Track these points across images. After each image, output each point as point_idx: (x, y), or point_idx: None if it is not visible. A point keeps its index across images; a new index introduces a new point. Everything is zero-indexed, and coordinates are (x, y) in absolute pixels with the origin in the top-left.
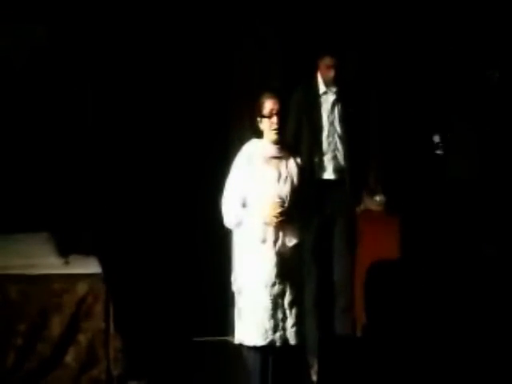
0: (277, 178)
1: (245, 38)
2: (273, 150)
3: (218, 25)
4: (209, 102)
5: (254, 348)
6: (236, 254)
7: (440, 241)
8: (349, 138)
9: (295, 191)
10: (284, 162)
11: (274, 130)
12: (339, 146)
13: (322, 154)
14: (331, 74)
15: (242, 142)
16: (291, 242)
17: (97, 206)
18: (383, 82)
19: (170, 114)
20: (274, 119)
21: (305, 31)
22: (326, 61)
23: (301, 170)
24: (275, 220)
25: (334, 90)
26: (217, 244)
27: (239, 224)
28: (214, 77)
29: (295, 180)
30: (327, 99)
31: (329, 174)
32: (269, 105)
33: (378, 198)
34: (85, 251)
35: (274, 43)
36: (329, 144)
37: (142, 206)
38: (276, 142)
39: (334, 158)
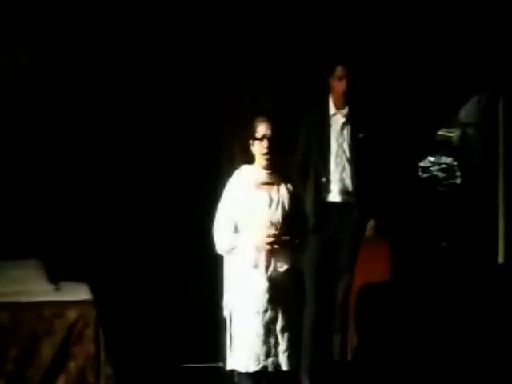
0: (268, 204)
1: (235, 60)
2: (264, 175)
3: (208, 47)
4: (199, 125)
5: (246, 374)
6: (227, 280)
7: (431, 262)
8: (357, 160)
9: (287, 217)
10: (275, 187)
11: (265, 154)
12: (347, 167)
13: (328, 175)
14: (343, 85)
15: (233, 167)
16: (282, 267)
17: (87, 233)
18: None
19: (160, 138)
20: (265, 143)
21: (297, 53)
22: (338, 72)
23: (293, 195)
24: (267, 246)
25: (344, 112)
26: (208, 269)
27: (231, 250)
28: (204, 100)
29: (287, 206)
30: (337, 121)
31: (334, 196)
32: (262, 129)
33: (368, 223)
34: (75, 277)
35: (265, 65)
36: (336, 165)
37: (133, 231)
38: (267, 168)
39: (341, 180)
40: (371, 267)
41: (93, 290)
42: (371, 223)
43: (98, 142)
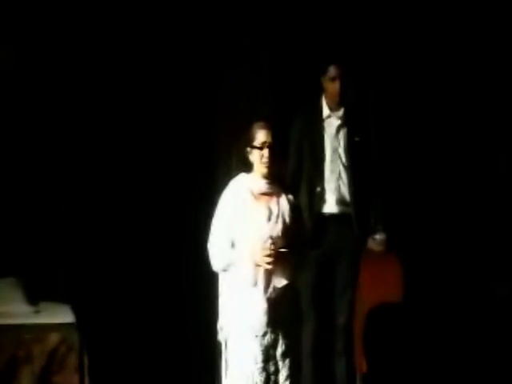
0: (267, 217)
1: (232, 61)
2: (263, 185)
3: (202, 47)
4: (193, 131)
5: None
6: (223, 300)
7: (446, 282)
8: (354, 167)
9: (288, 230)
10: (275, 198)
11: (265, 163)
12: (343, 175)
13: (323, 184)
14: (337, 86)
15: (229, 176)
16: (281, 283)
17: (70, 248)
18: (381, 109)
19: (150, 147)
20: (266, 152)
21: (297, 51)
22: (331, 72)
23: (293, 207)
24: (267, 262)
25: (339, 114)
26: (202, 288)
27: (228, 267)
28: (198, 104)
29: (287, 218)
30: (331, 123)
31: (330, 207)
32: (261, 136)
33: (378, 237)
34: (57, 298)
35: (263, 66)
36: (331, 172)
37: (120, 247)
38: (266, 177)
39: (337, 188)
40: (382, 286)
41: (76, 311)
42: (382, 237)
43: (82, 156)
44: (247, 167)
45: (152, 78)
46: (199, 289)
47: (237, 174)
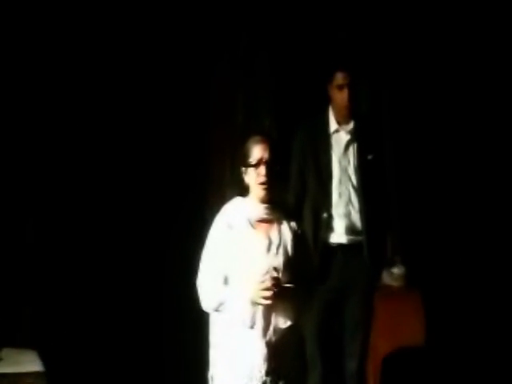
0: (267, 247)
1: (226, 62)
2: (261, 210)
3: (192, 45)
4: (181, 146)
5: None
6: (215, 345)
7: (475, 323)
8: (366, 189)
9: (291, 263)
10: (275, 226)
11: (262, 183)
12: (353, 199)
13: (330, 209)
14: (345, 96)
15: (222, 200)
16: (284, 324)
17: (36, 288)
18: (397, 122)
19: (133, 166)
20: (263, 170)
21: (301, 54)
22: (338, 79)
23: (297, 235)
24: (266, 300)
25: (349, 128)
26: (189, 332)
27: (220, 306)
28: (187, 113)
29: (290, 249)
30: (339, 139)
31: (339, 236)
32: (257, 152)
33: (396, 271)
34: (22, 343)
35: (263, 69)
36: (340, 196)
37: (95, 282)
38: (265, 201)
39: (347, 214)
40: (400, 328)
41: (44, 358)
42: (400, 271)
43: (50, 184)
44: (243, 191)
45: (142, 82)
46: (186, 332)
47: (231, 196)
